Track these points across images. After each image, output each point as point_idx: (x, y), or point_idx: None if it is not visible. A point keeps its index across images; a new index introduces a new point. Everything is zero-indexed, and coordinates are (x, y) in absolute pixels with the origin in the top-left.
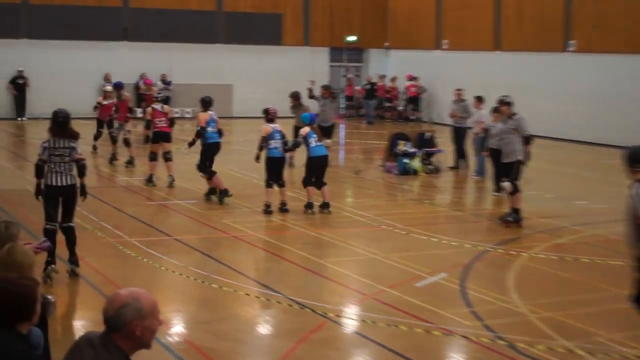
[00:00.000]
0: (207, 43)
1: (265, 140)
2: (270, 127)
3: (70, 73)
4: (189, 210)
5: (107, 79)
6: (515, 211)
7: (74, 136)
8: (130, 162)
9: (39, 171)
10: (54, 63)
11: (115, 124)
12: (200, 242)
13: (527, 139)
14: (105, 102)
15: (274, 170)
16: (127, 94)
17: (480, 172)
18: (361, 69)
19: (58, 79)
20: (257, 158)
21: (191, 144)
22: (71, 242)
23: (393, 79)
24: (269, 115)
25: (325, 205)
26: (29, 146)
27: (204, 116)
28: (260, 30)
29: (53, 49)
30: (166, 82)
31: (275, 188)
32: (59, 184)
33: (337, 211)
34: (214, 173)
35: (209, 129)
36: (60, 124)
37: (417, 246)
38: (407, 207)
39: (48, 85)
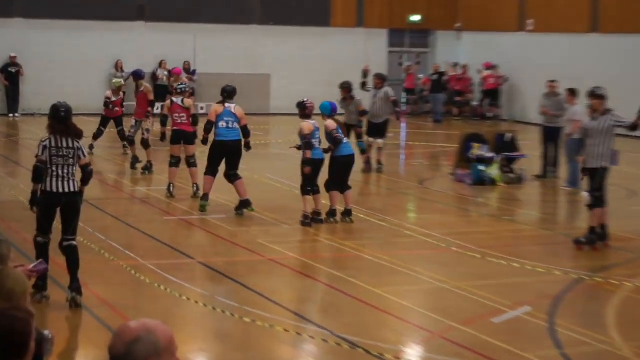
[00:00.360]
0: (240, 24)
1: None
2: (311, 124)
3: (74, 60)
4: (216, 227)
5: (118, 67)
6: (592, 230)
7: (78, 135)
8: (147, 168)
9: (38, 175)
10: (54, 48)
11: (132, 120)
12: (229, 266)
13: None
14: (114, 98)
15: (314, 174)
16: (147, 84)
17: (573, 182)
18: (426, 55)
19: (59, 67)
20: (307, 163)
21: (203, 142)
22: (73, 265)
23: (464, 68)
24: (306, 110)
25: (347, 213)
26: (23, 149)
27: (217, 108)
28: (304, 9)
29: (53, 30)
30: (190, 72)
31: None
32: (60, 190)
33: (397, 229)
34: (237, 177)
35: (221, 124)
36: (62, 119)
37: (494, 273)
38: (483, 224)
39: (46, 74)
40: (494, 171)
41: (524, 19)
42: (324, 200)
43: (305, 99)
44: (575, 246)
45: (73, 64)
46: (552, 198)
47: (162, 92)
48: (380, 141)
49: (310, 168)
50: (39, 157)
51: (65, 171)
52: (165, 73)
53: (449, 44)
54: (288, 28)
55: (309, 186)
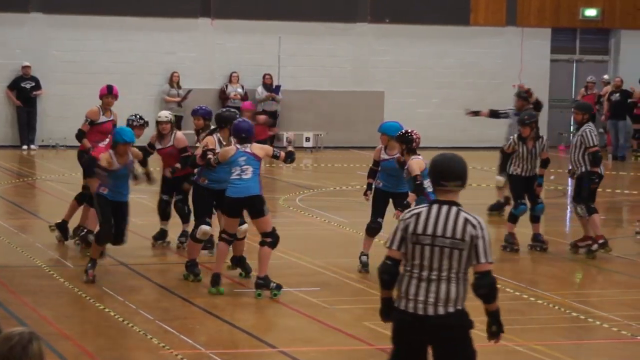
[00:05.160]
0: (344, 22)
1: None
2: (422, 160)
3: (112, 71)
4: (305, 303)
5: (173, 81)
6: None
7: None
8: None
9: None
10: (85, 54)
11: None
12: (324, 358)
13: None
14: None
15: None
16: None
17: None
18: (606, 64)
19: (90, 82)
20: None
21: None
22: None
23: None
24: (413, 144)
25: None
26: (41, 194)
27: (209, 141)
28: (434, 1)
29: (83, 30)
30: (272, 89)
31: None
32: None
33: (559, 310)
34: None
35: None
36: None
37: None
38: None
39: (73, 91)
40: None
41: None
42: None
43: (412, 130)
44: None
45: (110, 77)
46: None
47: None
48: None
49: None
50: None
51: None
52: (239, 91)
53: (637, 48)
54: (409, 27)
55: None
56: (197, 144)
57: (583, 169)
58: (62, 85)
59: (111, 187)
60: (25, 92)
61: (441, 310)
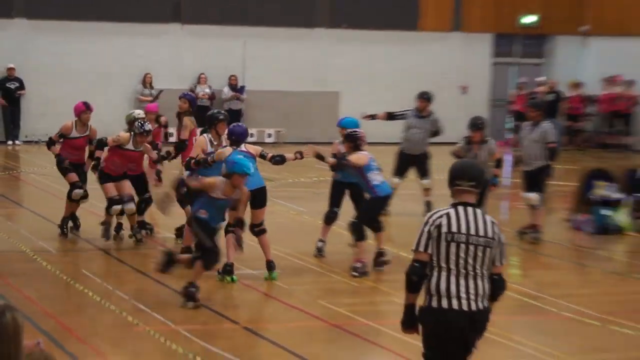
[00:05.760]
0: (303, 27)
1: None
2: (366, 154)
3: (89, 73)
4: (268, 284)
5: (146, 82)
6: None
7: None
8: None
9: None
10: (65, 56)
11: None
12: (284, 333)
13: None
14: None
15: (377, 213)
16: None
17: None
18: (541, 67)
19: (70, 82)
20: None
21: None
22: None
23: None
24: (358, 142)
25: (381, 255)
26: (25, 185)
27: (200, 140)
28: (385, 9)
29: (63, 34)
30: (237, 89)
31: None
32: None
33: None
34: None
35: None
36: None
37: (617, 346)
38: (605, 284)
39: (54, 90)
40: (621, 217)
41: None
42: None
43: (358, 130)
44: None
45: (88, 77)
46: None
47: (202, 115)
48: (425, 181)
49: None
50: None
51: None
52: (207, 91)
53: (571, 52)
54: (363, 32)
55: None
56: (172, 130)
57: (539, 163)
58: (44, 85)
59: (211, 215)
60: (10, 92)
61: (481, 305)
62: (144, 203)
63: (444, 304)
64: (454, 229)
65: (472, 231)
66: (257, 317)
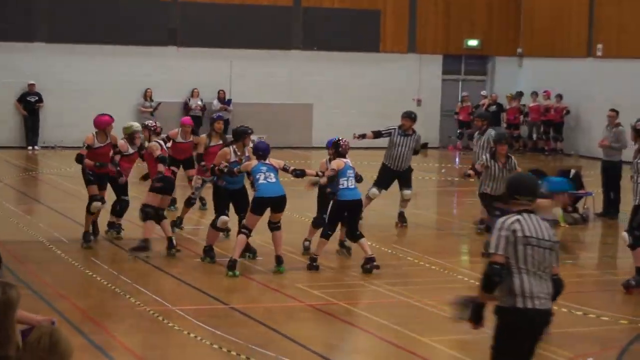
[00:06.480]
0: (280, 49)
1: (336, 176)
2: (343, 161)
3: (98, 88)
4: (251, 269)
5: (147, 96)
6: (638, 271)
7: None
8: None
9: None
10: (78, 74)
11: (197, 180)
12: (265, 312)
13: None
14: (131, 151)
15: (345, 217)
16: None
17: None
18: (484, 83)
19: (82, 96)
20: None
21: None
22: None
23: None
24: (340, 149)
25: (370, 260)
26: (42, 184)
27: (225, 151)
28: (351, 33)
29: (76, 55)
30: (225, 102)
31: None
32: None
33: (449, 274)
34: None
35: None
36: None
37: (555, 322)
38: None
39: (69, 103)
40: (555, 210)
41: (593, 44)
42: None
43: (341, 138)
44: (625, 290)
45: (97, 92)
46: (618, 240)
47: (196, 124)
48: (407, 192)
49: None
50: None
51: None
52: (199, 103)
53: (508, 71)
54: (332, 54)
55: (331, 230)
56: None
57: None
58: (60, 100)
59: None
60: (30, 104)
61: (549, 305)
62: (120, 205)
63: (529, 304)
64: (527, 233)
65: (540, 235)
66: (244, 298)
